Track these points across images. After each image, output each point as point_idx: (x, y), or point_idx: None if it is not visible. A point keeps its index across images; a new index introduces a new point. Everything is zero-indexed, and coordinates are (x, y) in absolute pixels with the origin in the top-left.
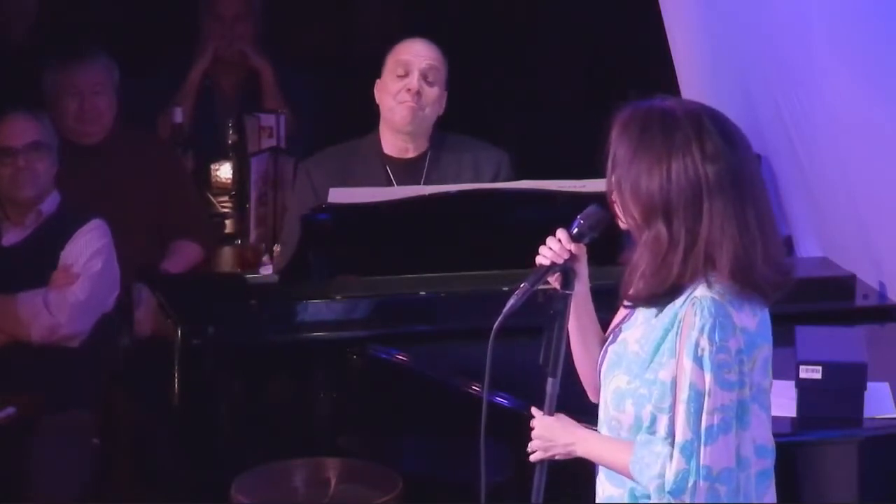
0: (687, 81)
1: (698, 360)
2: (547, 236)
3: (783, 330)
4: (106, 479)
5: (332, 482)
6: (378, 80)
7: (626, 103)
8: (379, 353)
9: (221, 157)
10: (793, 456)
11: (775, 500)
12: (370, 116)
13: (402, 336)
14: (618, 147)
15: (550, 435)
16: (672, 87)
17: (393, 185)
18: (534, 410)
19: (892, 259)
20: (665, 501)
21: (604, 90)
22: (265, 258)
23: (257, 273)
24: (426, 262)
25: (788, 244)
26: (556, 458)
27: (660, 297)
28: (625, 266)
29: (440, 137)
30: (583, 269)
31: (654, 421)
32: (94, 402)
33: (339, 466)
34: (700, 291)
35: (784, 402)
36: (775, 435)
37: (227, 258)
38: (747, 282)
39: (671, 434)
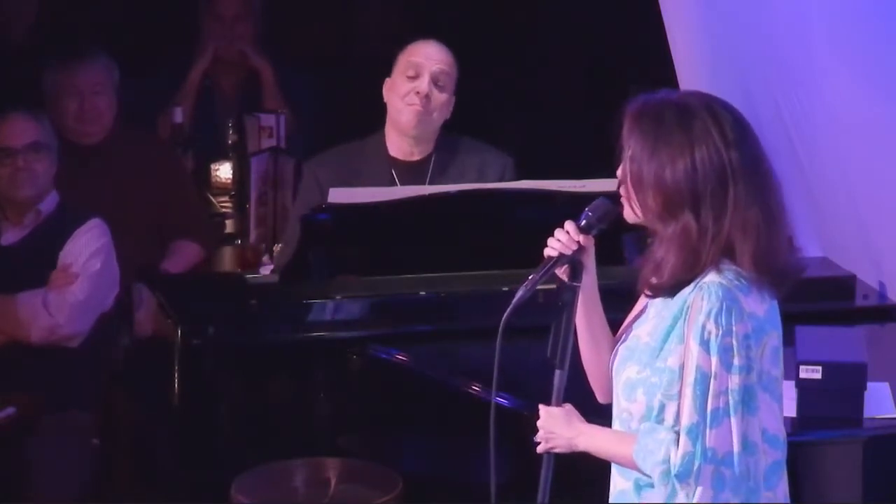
0: (687, 81)
1: (705, 344)
2: (547, 236)
3: (783, 330)
4: (106, 479)
5: (332, 482)
6: (387, 79)
7: (633, 96)
8: (379, 353)
9: (221, 157)
10: (793, 456)
11: (788, 497)
12: (370, 116)
13: (402, 336)
14: (632, 141)
15: (553, 426)
16: (672, 86)
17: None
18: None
19: (892, 259)
20: (669, 488)
21: (604, 90)
22: (265, 258)
23: (257, 273)
24: (426, 262)
25: (789, 244)
26: (558, 451)
27: (683, 285)
28: (641, 267)
29: (445, 140)
30: (590, 261)
31: (661, 409)
32: (94, 402)
33: (339, 466)
34: (709, 277)
35: (784, 402)
36: None
37: (227, 258)
38: (768, 269)
39: (678, 422)
